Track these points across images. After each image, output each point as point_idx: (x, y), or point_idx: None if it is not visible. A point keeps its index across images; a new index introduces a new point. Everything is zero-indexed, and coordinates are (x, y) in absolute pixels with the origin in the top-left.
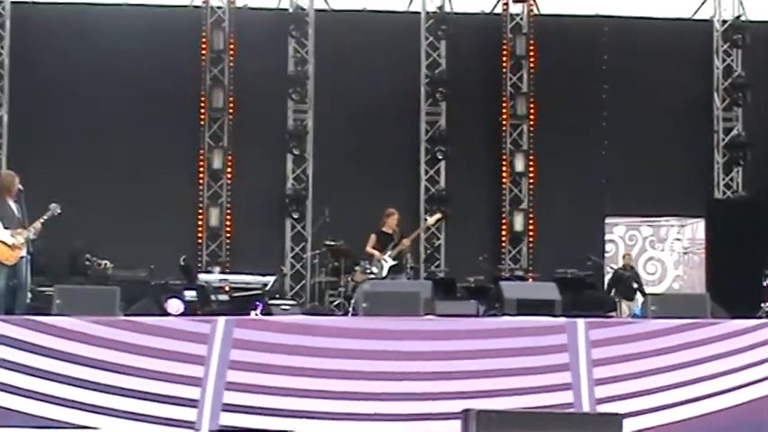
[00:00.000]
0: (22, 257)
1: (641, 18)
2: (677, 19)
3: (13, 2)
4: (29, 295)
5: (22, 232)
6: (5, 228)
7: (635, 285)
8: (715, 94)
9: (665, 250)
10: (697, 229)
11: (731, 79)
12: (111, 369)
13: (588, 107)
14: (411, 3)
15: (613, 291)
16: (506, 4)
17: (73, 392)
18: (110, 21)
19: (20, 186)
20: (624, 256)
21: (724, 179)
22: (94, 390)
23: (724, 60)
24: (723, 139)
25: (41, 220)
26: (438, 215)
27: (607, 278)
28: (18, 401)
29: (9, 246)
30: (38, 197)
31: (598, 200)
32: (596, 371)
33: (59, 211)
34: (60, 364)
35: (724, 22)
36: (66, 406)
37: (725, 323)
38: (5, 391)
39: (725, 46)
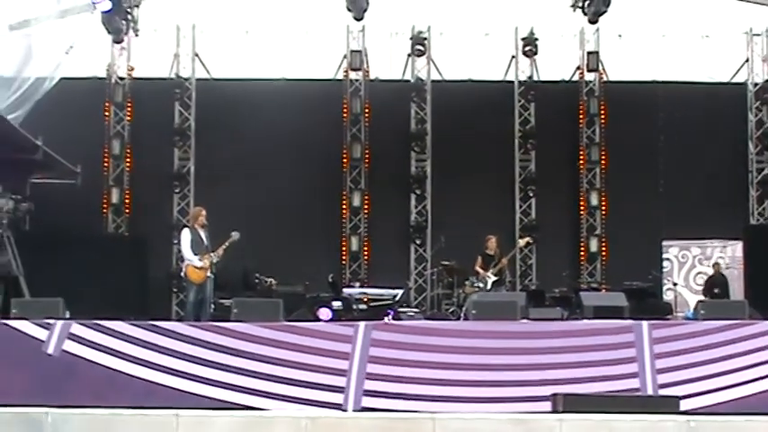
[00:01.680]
0: (207, 277)
1: (690, 83)
2: (718, 83)
3: (197, 79)
4: (212, 306)
5: (208, 256)
6: (195, 253)
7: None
8: (749, 142)
9: (711, 266)
10: (736, 249)
11: (762, 129)
12: (276, 363)
13: (648, 153)
14: (506, 73)
15: (709, 294)
16: (582, 73)
17: (247, 381)
18: (273, 91)
19: (205, 222)
20: (714, 266)
21: (758, 209)
22: (264, 379)
23: (756, 114)
24: (756, 178)
25: (224, 246)
26: (527, 239)
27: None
28: (204, 388)
29: (198, 268)
30: (218, 229)
31: (656, 226)
32: (658, 362)
33: (238, 237)
34: (237, 359)
35: (755, 84)
36: (242, 392)
37: (760, 323)
38: (196, 381)
39: (757, 103)
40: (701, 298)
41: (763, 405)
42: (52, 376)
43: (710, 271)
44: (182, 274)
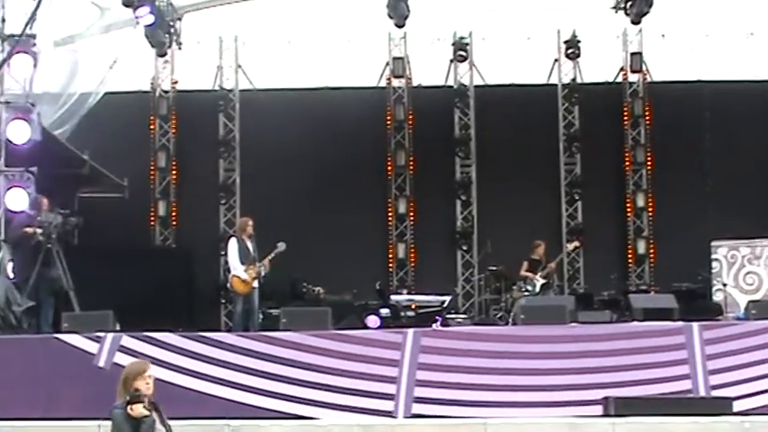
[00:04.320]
0: (253, 288)
1: (735, 81)
2: (765, 81)
3: (241, 90)
4: (260, 316)
5: (254, 267)
6: (241, 263)
7: None
8: None
9: (761, 266)
10: None
11: None
12: (326, 372)
13: (694, 153)
14: (550, 77)
15: None
16: (626, 74)
17: (297, 390)
18: (316, 100)
19: (252, 232)
20: None
21: None
22: (314, 388)
23: None
24: None
25: (270, 257)
26: (575, 243)
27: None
28: (255, 398)
29: (243, 280)
30: (264, 238)
31: (704, 227)
32: (709, 363)
33: (284, 248)
34: (287, 368)
35: None
36: (292, 401)
37: None
38: (245, 391)
39: None
40: (752, 298)
41: None
42: (103, 389)
43: (760, 270)
44: (228, 285)
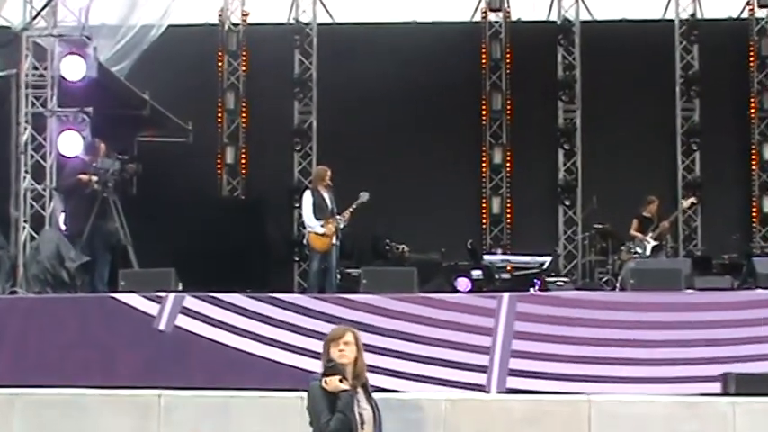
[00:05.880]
0: (332, 244)
1: None
2: None
3: (319, 24)
4: (338, 277)
5: (333, 221)
6: (318, 218)
7: None
8: None
9: None
10: None
11: None
12: (410, 339)
13: None
14: (666, 11)
15: None
16: (752, 9)
17: (379, 360)
18: (403, 36)
19: (329, 182)
20: None
21: None
22: (398, 357)
23: None
24: None
25: (352, 209)
26: (692, 199)
27: None
28: None
29: (320, 235)
30: (343, 189)
31: None
32: None
33: (367, 198)
34: (367, 335)
35: None
36: (374, 372)
37: None
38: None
39: None
40: None
41: None
42: (164, 355)
43: None
44: (304, 241)
